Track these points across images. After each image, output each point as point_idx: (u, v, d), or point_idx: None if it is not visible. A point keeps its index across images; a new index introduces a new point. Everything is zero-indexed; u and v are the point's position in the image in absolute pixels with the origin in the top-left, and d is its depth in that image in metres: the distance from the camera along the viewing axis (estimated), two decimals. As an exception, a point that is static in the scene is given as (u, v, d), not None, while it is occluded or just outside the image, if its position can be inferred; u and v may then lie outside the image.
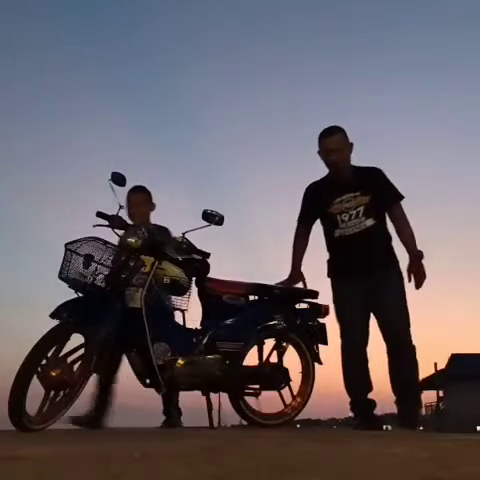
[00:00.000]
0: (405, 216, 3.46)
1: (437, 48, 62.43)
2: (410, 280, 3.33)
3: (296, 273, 3.54)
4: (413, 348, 3.42)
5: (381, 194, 3.43)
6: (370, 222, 3.40)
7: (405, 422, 3.42)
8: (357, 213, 3.39)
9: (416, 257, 3.35)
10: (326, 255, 3.62)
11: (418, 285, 3.32)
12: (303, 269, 3.56)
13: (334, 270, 3.54)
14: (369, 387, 3.45)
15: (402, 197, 3.48)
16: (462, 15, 52.09)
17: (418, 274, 3.32)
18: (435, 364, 22.92)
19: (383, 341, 3.42)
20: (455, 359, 23.13)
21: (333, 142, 3.39)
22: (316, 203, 3.53)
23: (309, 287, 3.54)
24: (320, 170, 3.55)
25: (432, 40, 58.76)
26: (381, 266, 3.40)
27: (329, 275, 3.56)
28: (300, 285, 3.47)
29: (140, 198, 3.62)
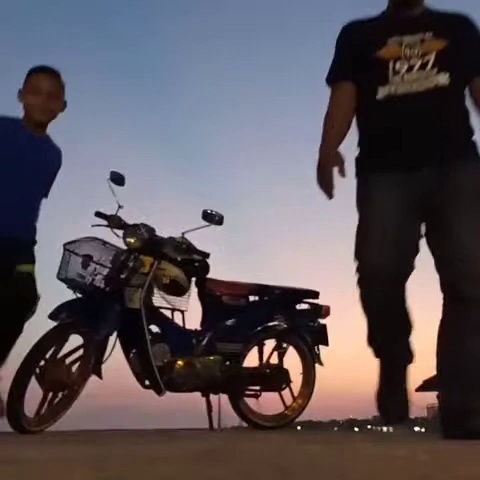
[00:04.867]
0: None
1: None
2: None
3: (328, 157, 2.25)
4: None
5: (467, 52, 2.23)
6: (443, 79, 2.17)
7: (467, 427, 1.99)
8: (423, 63, 2.19)
9: None
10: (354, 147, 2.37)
11: None
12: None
13: (370, 160, 2.30)
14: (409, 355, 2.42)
15: None
16: None
17: None
18: (437, 365, 22.88)
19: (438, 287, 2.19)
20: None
21: None
22: (359, 45, 2.31)
23: (309, 287, 3.52)
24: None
25: None
26: (455, 154, 2.19)
27: (360, 170, 2.34)
28: (335, 171, 2.22)
29: (58, 86, 2.74)
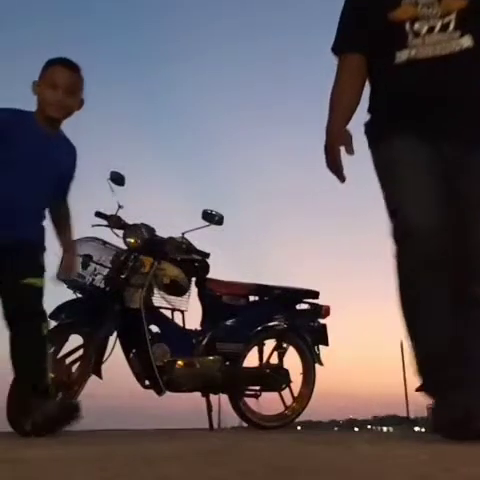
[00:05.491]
0: None
1: None
2: None
3: (336, 136, 2.05)
4: None
5: None
6: (468, 41, 1.96)
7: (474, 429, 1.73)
8: (444, 24, 1.97)
9: None
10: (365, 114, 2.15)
11: None
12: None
13: (390, 125, 2.03)
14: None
15: None
16: None
17: None
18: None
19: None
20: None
21: None
22: (369, 7, 2.08)
23: (309, 287, 3.52)
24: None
25: None
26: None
27: (377, 136, 2.07)
28: (342, 150, 2.04)
29: (77, 81, 2.48)
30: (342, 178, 2.07)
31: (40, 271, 2.41)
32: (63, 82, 2.42)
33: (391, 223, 1.97)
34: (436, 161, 1.96)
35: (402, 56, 1.99)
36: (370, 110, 2.15)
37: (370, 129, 2.12)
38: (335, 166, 2.06)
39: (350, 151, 2.04)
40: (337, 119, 2.07)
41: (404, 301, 1.95)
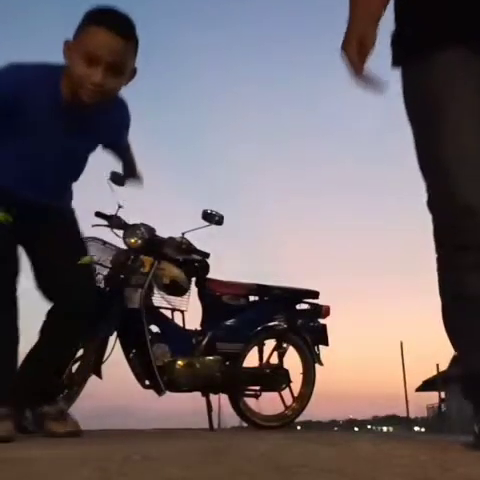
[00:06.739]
0: None
1: None
2: None
3: (363, 30, 1.48)
4: None
5: None
6: None
7: None
8: None
9: None
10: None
11: None
12: None
13: (429, 32, 1.47)
14: None
15: None
16: None
17: None
18: (437, 366, 22.92)
19: None
20: (457, 360, 23.13)
21: None
22: None
23: (309, 287, 3.52)
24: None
25: None
26: None
27: (406, 48, 1.53)
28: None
29: (127, 54, 1.84)
30: (360, 70, 1.47)
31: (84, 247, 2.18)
32: (107, 56, 1.75)
33: (433, 195, 1.46)
34: None
35: None
36: (401, 14, 1.54)
37: (401, 41, 1.54)
38: (354, 52, 1.47)
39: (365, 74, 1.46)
40: (362, 15, 1.49)
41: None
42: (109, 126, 2.05)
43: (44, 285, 2.08)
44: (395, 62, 1.54)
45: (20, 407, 2.24)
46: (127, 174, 2.43)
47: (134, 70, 1.90)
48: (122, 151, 2.30)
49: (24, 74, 1.85)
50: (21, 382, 2.06)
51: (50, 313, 2.10)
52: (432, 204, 1.48)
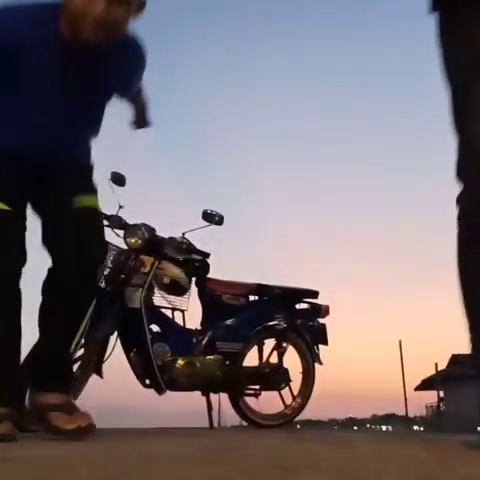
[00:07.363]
0: None
1: None
2: None
3: None
4: None
5: None
6: None
7: None
8: None
9: None
10: None
11: None
12: None
13: None
14: None
15: None
16: None
17: None
18: (436, 364, 22.94)
19: None
20: (456, 360, 23.16)
21: None
22: None
23: (309, 287, 3.52)
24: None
25: None
26: None
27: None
28: None
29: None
30: None
31: (92, 187, 1.93)
32: None
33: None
34: None
35: None
36: None
37: None
38: None
39: None
40: None
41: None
42: (120, 70, 1.80)
43: (49, 244, 1.89)
44: (435, 7, 1.33)
45: (20, 404, 2.25)
46: (136, 120, 2.18)
47: (143, 3, 1.66)
48: (133, 95, 2.07)
49: (16, 17, 1.67)
50: (29, 364, 1.92)
51: (51, 271, 1.91)
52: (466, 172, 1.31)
